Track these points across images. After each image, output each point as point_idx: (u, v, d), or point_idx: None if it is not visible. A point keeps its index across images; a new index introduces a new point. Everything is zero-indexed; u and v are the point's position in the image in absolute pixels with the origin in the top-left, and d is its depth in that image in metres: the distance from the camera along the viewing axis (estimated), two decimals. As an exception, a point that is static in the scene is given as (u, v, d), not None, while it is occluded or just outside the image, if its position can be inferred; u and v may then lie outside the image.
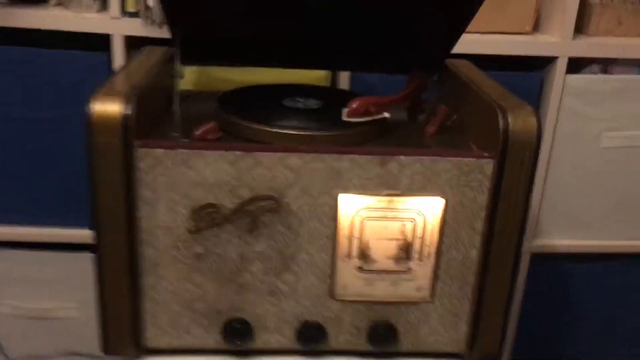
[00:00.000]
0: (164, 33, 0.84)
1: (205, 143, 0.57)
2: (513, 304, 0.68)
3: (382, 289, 0.61)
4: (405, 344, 0.63)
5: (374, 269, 0.61)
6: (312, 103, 0.67)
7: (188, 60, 0.68)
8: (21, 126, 0.91)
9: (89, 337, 0.98)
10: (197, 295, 0.60)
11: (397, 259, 0.60)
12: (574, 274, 1.07)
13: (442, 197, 0.58)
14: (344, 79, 0.91)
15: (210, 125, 0.59)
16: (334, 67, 0.88)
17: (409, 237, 0.60)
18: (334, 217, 0.58)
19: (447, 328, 0.63)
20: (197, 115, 0.64)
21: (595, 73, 0.97)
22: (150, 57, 0.70)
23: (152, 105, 0.62)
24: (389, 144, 0.62)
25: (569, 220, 1.03)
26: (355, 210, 0.58)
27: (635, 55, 0.95)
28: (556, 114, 0.95)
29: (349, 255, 0.60)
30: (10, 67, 0.87)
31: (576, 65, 0.95)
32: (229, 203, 0.57)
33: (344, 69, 0.89)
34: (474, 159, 0.57)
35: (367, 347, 0.63)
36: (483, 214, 0.59)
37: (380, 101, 0.63)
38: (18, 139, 0.91)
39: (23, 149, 0.92)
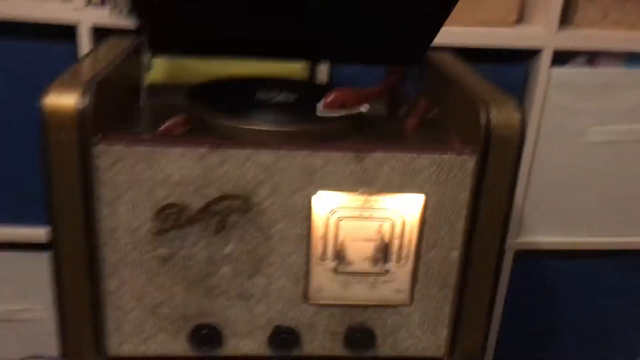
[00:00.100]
0: (133, 22, 0.80)
1: (168, 139, 0.54)
2: (495, 305, 0.65)
3: (358, 292, 0.58)
4: (384, 348, 0.60)
5: (350, 271, 0.58)
6: (286, 97, 0.64)
7: (156, 50, 0.64)
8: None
9: (56, 339, 0.94)
10: (162, 299, 0.57)
11: (374, 261, 0.58)
12: (559, 271, 1.06)
13: (421, 195, 0.55)
14: (323, 73, 0.88)
15: (176, 119, 0.56)
16: (311, 58, 0.85)
17: (387, 237, 0.57)
18: (307, 217, 0.55)
19: (427, 332, 0.60)
20: (166, 110, 0.60)
21: (580, 66, 0.94)
22: (116, 47, 0.66)
23: (115, 99, 0.59)
24: (366, 139, 0.59)
25: (554, 217, 1.01)
26: (330, 210, 0.55)
27: (621, 47, 0.92)
28: (541, 108, 0.93)
29: (323, 257, 0.57)
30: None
31: (562, 58, 0.92)
32: (195, 203, 0.54)
33: (322, 59, 0.85)
34: (455, 155, 0.55)
35: (344, 352, 0.60)
36: (464, 213, 0.56)
37: (358, 94, 0.60)
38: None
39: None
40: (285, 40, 0.66)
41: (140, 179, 0.52)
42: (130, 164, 0.52)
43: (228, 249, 0.55)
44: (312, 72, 0.89)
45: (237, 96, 0.63)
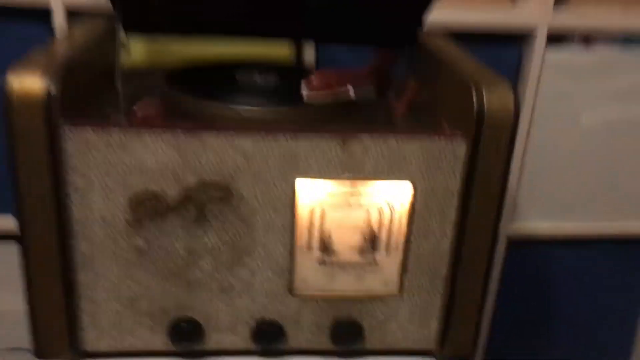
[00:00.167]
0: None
1: (143, 123, 0.51)
2: (488, 295, 0.63)
3: (345, 284, 0.56)
4: (372, 342, 0.58)
5: (337, 261, 0.55)
6: (269, 79, 0.61)
7: (129, 29, 0.61)
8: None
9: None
10: (140, 293, 0.54)
11: (362, 251, 0.55)
12: (554, 259, 1.04)
13: (410, 182, 0.53)
14: (310, 57, 0.85)
15: (152, 102, 0.53)
16: (297, 38, 0.81)
17: (375, 227, 0.54)
18: (291, 206, 0.52)
19: (416, 324, 0.58)
20: (144, 94, 0.57)
21: (576, 48, 0.92)
22: (91, 28, 0.63)
23: (87, 82, 0.56)
24: (352, 123, 0.57)
25: (549, 203, 0.99)
26: (315, 198, 0.53)
27: (618, 26, 0.90)
28: (535, 91, 0.90)
29: (308, 247, 0.54)
30: None
31: (557, 40, 0.90)
32: (172, 191, 0.51)
33: (308, 40, 0.82)
34: (446, 140, 0.52)
35: (330, 346, 0.58)
36: (456, 201, 0.54)
37: (343, 76, 0.57)
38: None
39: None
40: (269, 20, 0.63)
41: (113, 165, 0.50)
42: (101, 150, 0.49)
43: (208, 240, 0.53)
44: (298, 55, 0.85)
45: (217, 79, 0.61)
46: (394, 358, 0.60)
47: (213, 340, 0.56)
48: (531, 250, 1.02)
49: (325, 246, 0.55)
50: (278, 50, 0.82)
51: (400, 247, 0.55)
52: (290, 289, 0.55)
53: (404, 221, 0.54)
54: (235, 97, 0.56)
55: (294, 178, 0.52)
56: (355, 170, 0.52)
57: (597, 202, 0.99)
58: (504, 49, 0.91)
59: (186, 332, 0.55)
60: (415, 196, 0.53)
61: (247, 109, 0.54)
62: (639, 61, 0.92)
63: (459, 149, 0.52)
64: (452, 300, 0.57)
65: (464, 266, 0.56)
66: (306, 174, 0.52)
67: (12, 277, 0.92)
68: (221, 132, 0.50)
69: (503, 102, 0.51)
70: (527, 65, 0.90)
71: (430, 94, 0.62)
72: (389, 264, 0.56)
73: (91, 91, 0.57)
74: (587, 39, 0.92)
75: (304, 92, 0.55)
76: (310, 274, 0.55)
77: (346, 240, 0.55)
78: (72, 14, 0.80)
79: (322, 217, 0.54)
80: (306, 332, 0.57)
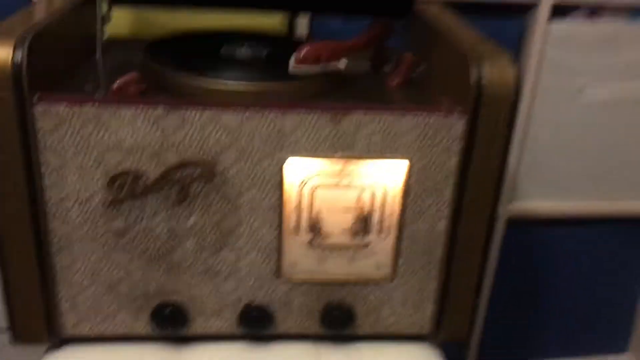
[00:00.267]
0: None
1: (120, 98, 0.48)
2: (485, 276, 0.60)
3: (336, 267, 0.54)
4: (364, 327, 0.56)
5: (327, 244, 0.53)
6: (256, 51, 0.58)
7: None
8: None
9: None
10: (120, 276, 0.52)
11: (354, 233, 0.53)
12: (554, 239, 1.01)
13: (405, 160, 0.50)
14: (303, 27, 0.81)
15: (130, 76, 0.50)
16: (289, 8, 0.78)
17: (367, 208, 0.52)
18: (278, 185, 0.50)
19: (410, 308, 0.56)
20: (125, 67, 0.54)
21: (580, 20, 0.88)
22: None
23: (64, 53, 0.52)
24: (344, 98, 0.54)
25: (549, 182, 0.96)
26: (304, 177, 0.50)
27: (624, -1, 0.86)
28: (537, 65, 0.87)
29: (297, 229, 0.52)
30: None
31: (560, 12, 0.86)
32: (152, 170, 0.48)
33: (301, 10, 0.79)
34: (443, 116, 0.49)
35: (321, 330, 0.56)
36: (452, 180, 0.51)
37: (334, 48, 0.54)
38: None
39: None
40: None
41: (88, 143, 0.47)
42: (76, 127, 0.46)
43: (191, 221, 0.50)
44: (291, 27, 0.82)
45: (200, 51, 0.57)
46: (387, 342, 0.58)
47: (198, 324, 0.54)
48: (531, 231, 1.00)
49: (315, 228, 0.52)
50: (271, 22, 0.79)
51: (394, 228, 0.53)
52: (278, 273, 0.53)
53: (398, 202, 0.52)
54: (220, 70, 0.53)
55: (282, 156, 0.49)
56: (347, 148, 0.49)
57: (600, 180, 0.97)
58: (505, 20, 0.87)
59: (169, 316, 0.53)
60: (410, 175, 0.51)
61: (232, 83, 0.50)
62: (645, 34, 0.89)
63: (457, 125, 0.49)
64: (448, 283, 0.55)
65: (460, 248, 0.53)
66: (295, 152, 0.49)
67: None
68: (204, 108, 0.47)
69: (503, 76, 0.48)
70: (529, 37, 0.87)
71: (427, 68, 0.59)
72: (382, 246, 0.53)
73: (69, 64, 0.54)
74: (593, 11, 0.89)
75: (292, 66, 0.52)
76: (299, 257, 0.53)
77: (337, 222, 0.52)
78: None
79: (312, 197, 0.51)
80: (295, 316, 0.55)
